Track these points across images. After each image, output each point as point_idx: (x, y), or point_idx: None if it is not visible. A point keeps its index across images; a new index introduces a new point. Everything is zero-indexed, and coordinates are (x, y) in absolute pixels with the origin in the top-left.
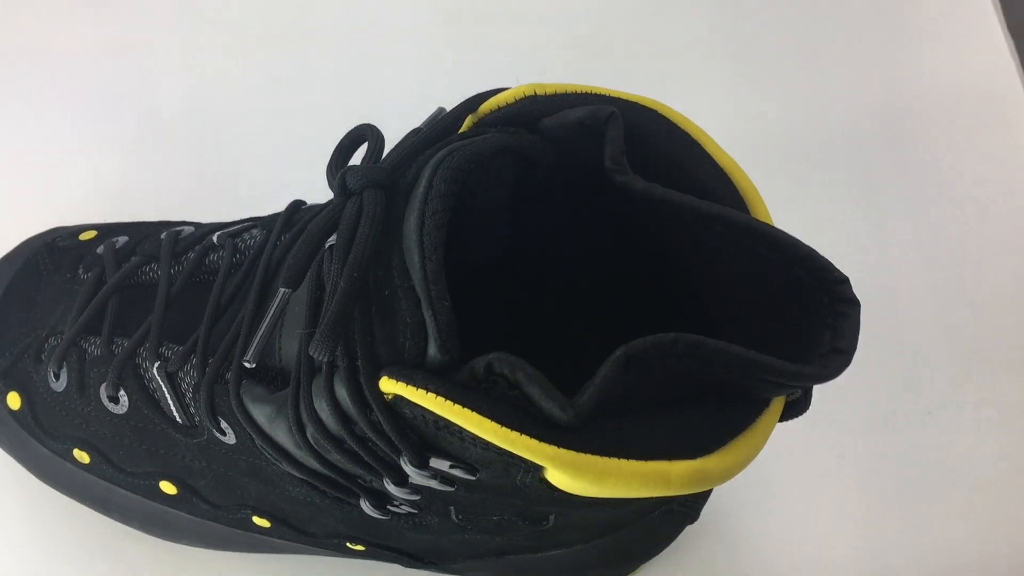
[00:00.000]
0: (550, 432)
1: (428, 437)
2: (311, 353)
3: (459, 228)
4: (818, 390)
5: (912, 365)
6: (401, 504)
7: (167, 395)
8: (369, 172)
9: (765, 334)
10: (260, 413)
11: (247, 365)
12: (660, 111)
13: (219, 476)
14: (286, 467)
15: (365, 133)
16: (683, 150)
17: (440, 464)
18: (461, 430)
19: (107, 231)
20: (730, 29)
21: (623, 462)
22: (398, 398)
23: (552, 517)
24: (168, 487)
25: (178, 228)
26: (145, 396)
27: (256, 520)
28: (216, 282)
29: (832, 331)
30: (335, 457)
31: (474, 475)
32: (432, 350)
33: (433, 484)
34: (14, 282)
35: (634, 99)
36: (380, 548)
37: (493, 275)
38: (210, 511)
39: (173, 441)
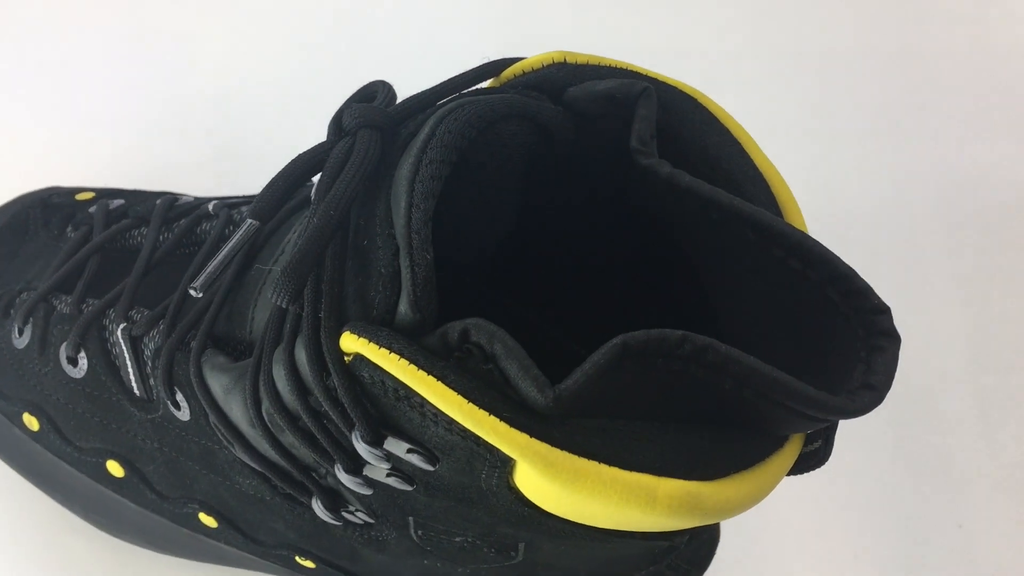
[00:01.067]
0: (524, 417)
1: (386, 409)
2: (269, 296)
3: (462, 200)
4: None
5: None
6: (356, 511)
7: (127, 361)
8: (367, 111)
9: (788, 358)
10: (217, 383)
11: (192, 292)
12: (700, 100)
13: (169, 461)
14: (238, 451)
15: (376, 88)
16: (720, 146)
17: (396, 446)
18: (423, 402)
19: (105, 194)
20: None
21: (604, 467)
22: (358, 359)
23: (521, 548)
24: (115, 468)
25: (177, 196)
26: (105, 361)
27: (203, 518)
28: (201, 251)
29: (865, 365)
30: (288, 439)
31: (433, 465)
32: (403, 306)
33: (391, 482)
34: None
35: (673, 83)
36: (331, 567)
37: (494, 261)
38: (156, 502)
39: (127, 415)
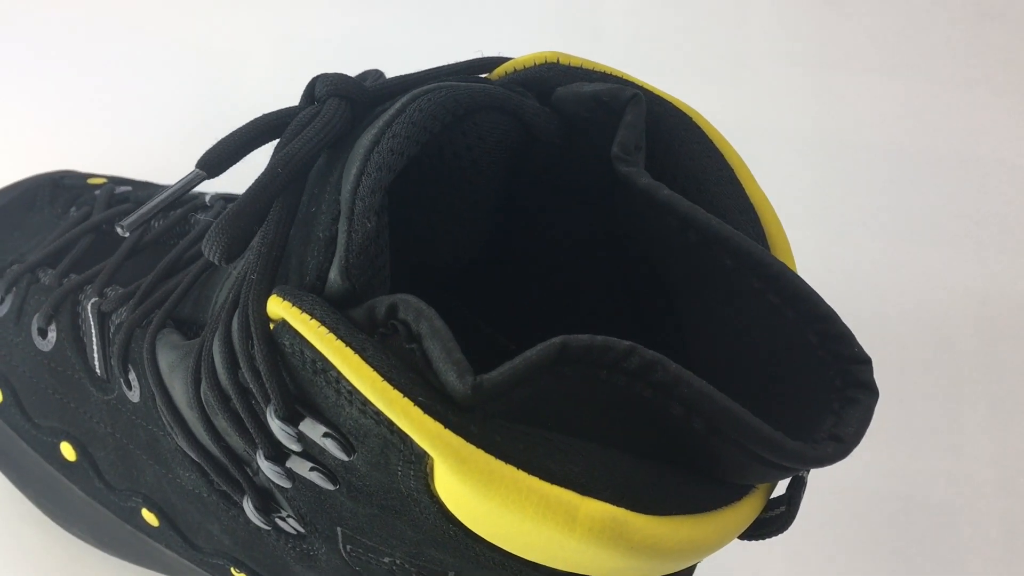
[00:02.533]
0: (440, 405)
1: (303, 383)
2: (203, 250)
3: (433, 194)
4: None
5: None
6: (287, 516)
7: (93, 337)
8: (340, 80)
9: (754, 400)
10: (165, 361)
11: (120, 231)
12: (695, 119)
13: (120, 448)
14: (178, 438)
15: (368, 75)
16: (709, 169)
17: (312, 429)
18: (338, 377)
19: (116, 181)
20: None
21: (522, 474)
22: (281, 326)
23: None
24: (68, 450)
25: None
26: (73, 336)
27: (146, 514)
28: (187, 237)
29: (836, 417)
30: (221, 423)
31: (349, 454)
32: (334, 273)
33: (314, 478)
34: (6, 206)
35: (669, 98)
36: None
37: (470, 270)
38: (103, 491)
39: (86, 394)
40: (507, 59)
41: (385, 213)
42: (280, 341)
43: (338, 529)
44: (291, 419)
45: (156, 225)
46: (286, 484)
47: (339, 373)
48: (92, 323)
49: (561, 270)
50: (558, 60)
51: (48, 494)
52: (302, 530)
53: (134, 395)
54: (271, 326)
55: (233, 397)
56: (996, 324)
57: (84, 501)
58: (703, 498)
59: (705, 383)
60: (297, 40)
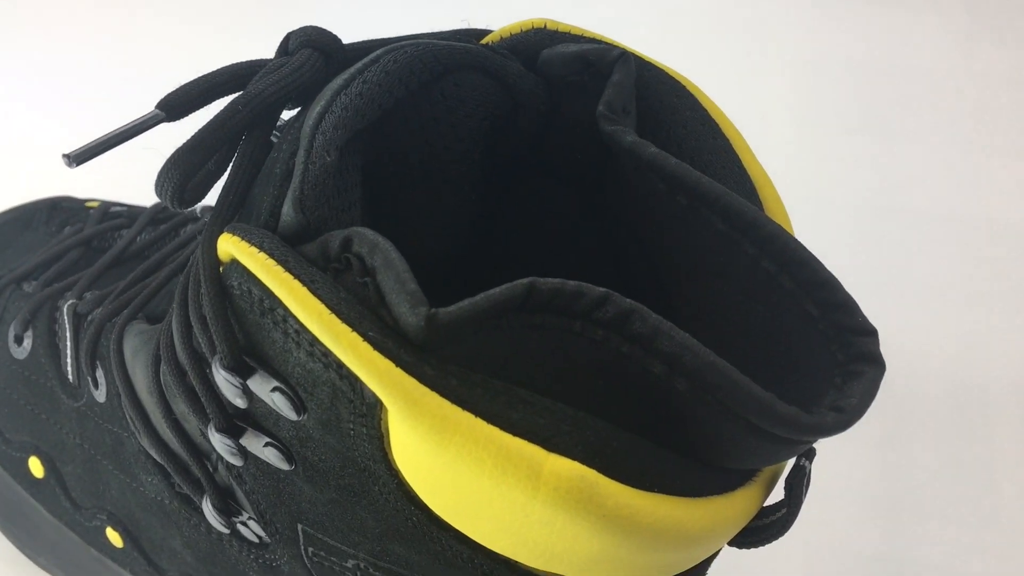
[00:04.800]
0: (392, 343)
1: (251, 329)
2: (155, 190)
3: (411, 164)
4: None
5: None
6: (248, 518)
7: (67, 338)
8: (315, 31)
9: (752, 378)
10: (129, 347)
11: (65, 161)
12: (689, 88)
13: (87, 460)
14: (140, 436)
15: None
16: (702, 137)
17: (261, 385)
18: (286, 316)
19: (111, 204)
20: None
21: (480, 422)
22: (230, 266)
23: None
24: (36, 466)
25: None
26: (48, 342)
27: (110, 534)
28: (172, 244)
29: (838, 392)
30: (180, 408)
31: (299, 413)
32: (287, 206)
33: (268, 455)
34: (2, 225)
35: (661, 66)
36: None
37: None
38: (69, 511)
39: (56, 403)
40: (492, 31)
41: (358, 162)
42: (228, 283)
43: (299, 527)
44: (238, 371)
45: (140, 239)
46: (238, 462)
47: (287, 311)
48: (67, 325)
49: (550, 252)
50: (545, 25)
51: (15, 518)
52: (263, 535)
53: (100, 394)
54: (221, 269)
55: (188, 370)
56: None
57: (50, 523)
58: (690, 480)
59: (687, 335)
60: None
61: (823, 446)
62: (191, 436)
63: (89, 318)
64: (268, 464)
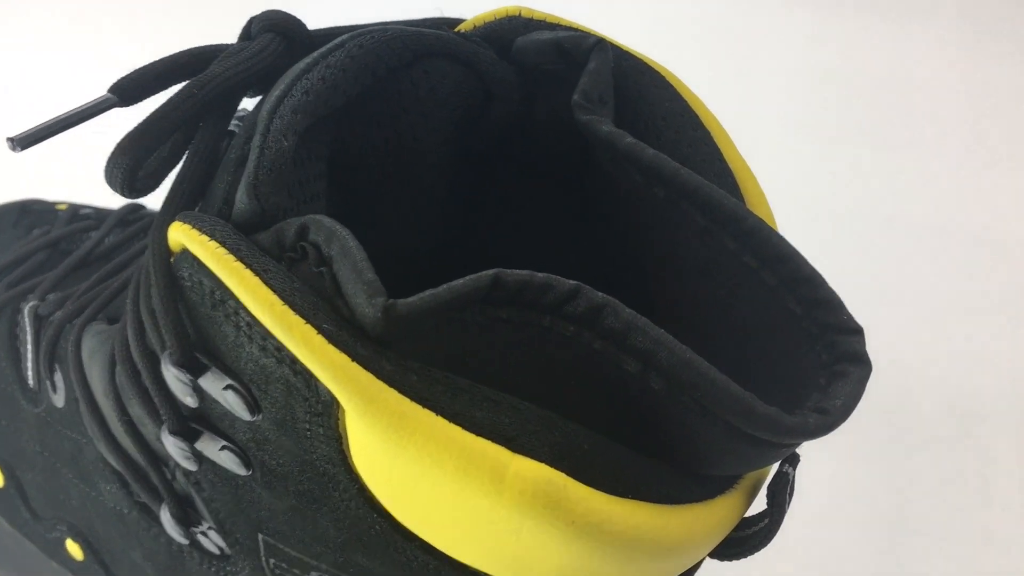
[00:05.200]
0: (348, 336)
1: (202, 323)
2: (104, 177)
3: (380, 158)
4: None
5: None
6: (208, 528)
7: (28, 340)
8: (277, 16)
9: (731, 368)
10: (87, 347)
11: (9, 145)
12: (669, 79)
13: (47, 468)
14: (97, 442)
15: None
16: (682, 129)
17: (213, 384)
18: (237, 308)
19: (82, 206)
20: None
21: (441, 420)
22: (181, 256)
23: None
24: None
25: (143, 205)
26: (9, 346)
27: (70, 546)
28: (138, 245)
29: (822, 394)
30: (136, 411)
31: (253, 413)
32: (241, 192)
33: (224, 458)
34: None
35: (642, 56)
36: None
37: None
38: (29, 523)
39: (17, 409)
40: (466, 19)
41: (323, 152)
42: (179, 274)
43: (260, 537)
44: (188, 367)
45: (107, 241)
46: (192, 467)
47: (238, 302)
48: (28, 326)
49: (528, 248)
50: (520, 13)
51: None
52: (224, 545)
53: (59, 399)
54: (172, 259)
55: (141, 369)
56: None
57: (10, 535)
58: (667, 486)
59: (663, 332)
60: None
61: (808, 454)
62: (148, 441)
63: (50, 320)
64: (226, 469)
